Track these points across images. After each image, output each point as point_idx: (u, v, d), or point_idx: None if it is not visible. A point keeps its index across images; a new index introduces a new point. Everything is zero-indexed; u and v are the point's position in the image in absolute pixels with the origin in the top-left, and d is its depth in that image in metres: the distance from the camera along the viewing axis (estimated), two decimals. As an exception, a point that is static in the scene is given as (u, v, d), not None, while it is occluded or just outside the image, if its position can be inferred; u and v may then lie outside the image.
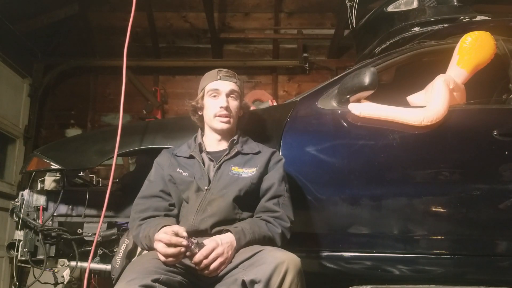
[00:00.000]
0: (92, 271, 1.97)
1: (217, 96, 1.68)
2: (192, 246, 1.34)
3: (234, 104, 1.69)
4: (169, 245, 1.33)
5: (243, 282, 1.29)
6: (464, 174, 1.88)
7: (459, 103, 2.01)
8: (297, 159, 1.87)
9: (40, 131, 4.51)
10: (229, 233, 1.42)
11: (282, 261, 1.27)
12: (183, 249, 1.33)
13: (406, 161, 1.87)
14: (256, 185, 1.59)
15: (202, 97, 1.73)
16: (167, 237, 1.33)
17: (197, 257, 1.34)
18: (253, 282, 1.26)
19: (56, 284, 2.04)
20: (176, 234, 1.34)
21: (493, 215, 1.84)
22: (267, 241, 1.46)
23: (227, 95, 1.68)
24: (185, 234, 1.35)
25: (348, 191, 1.85)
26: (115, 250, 1.88)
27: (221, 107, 1.65)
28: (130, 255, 1.75)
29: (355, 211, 1.82)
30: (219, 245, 1.36)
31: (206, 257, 1.34)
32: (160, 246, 1.35)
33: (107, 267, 1.91)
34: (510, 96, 2.16)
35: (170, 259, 1.34)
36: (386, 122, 1.86)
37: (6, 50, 3.89)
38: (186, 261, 1.39)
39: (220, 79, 1.69)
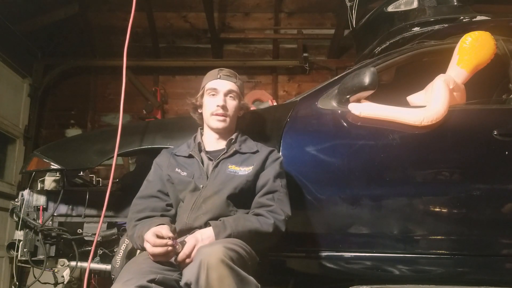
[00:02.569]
0: (92, 271, 1.97)
1: (215, 95, 1.69)
2: (177, 246, 1.35)
3: (232, 103, 1.69)
4: (155, 245, 1.34)
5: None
6: (464, 174, 1.88)
7: (459, 103, 2.01)
8: (297, 159, 1.87)
9: (40, 131, 4.50)
10: (210, 227, 1.42)
11: (203, 257, 1.22)
12: (170, 248, 1.34)
13: (406, 161, 1.87)
14: (252, 183, 1.59)
15: (202, 95, 1.74)
16: (152, 239, 1.35)
17: (180, 257, 1.35)
18: (187, 285, 1.25)
19: (56, 284, 2.04)
20: (162, 235, 1.34)
21: (493, 215, 1.84)
22: (254, 234, 1.44)
23: (225, 94, 1.68)
24: (169, 234, 1.35)
25: (348, 191, 1.84)
26: (115, 250, 1.88)
27: (217, 106, 1.65)
28: (130, 255, 1.75)
29: (355, 211, 1.82)
30: (199, 241, 1.37)
31: (188, 255, 1.35)
32: (147, 246, 1.37)
33: (107, 267, 1.91)
34: (510, 96, 2.16)
35: (159, 258, 1.35)
36: (386, 122, 1.86)
37: (6, 50, 3.88)
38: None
39: (219, 78, 1.70)
